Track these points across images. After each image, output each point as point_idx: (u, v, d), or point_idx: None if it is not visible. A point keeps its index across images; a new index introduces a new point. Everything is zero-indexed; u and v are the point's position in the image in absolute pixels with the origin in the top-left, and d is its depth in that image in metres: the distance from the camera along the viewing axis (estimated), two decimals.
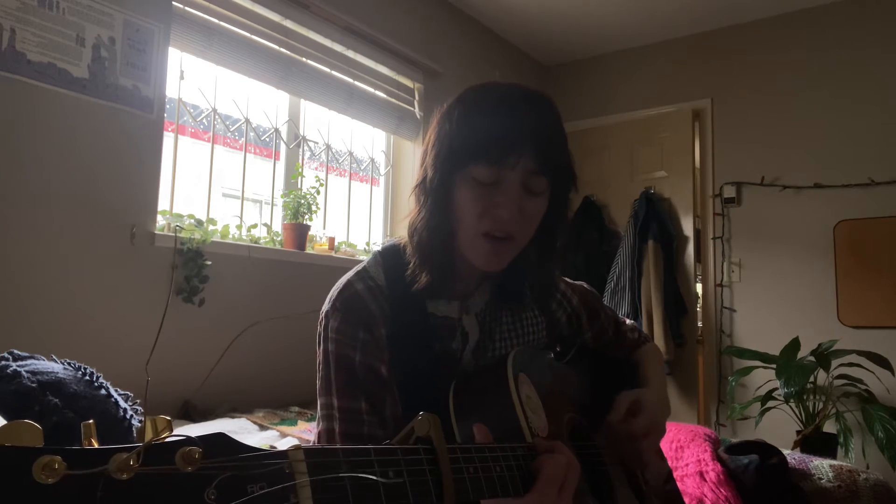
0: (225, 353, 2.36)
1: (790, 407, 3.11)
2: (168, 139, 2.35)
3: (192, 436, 0.37)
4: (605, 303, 1.22)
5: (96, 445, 0.35)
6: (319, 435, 0.88)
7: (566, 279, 1.15)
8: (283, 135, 2.92)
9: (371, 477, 0.46)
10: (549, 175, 0.88)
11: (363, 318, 0.89)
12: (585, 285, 1.18)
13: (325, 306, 0.91)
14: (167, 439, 0.36)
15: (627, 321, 1.25)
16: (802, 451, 2.58)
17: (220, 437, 0.39)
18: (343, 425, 0.85)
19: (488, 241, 0.87)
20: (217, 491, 0.37)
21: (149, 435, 0.36)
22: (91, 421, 0.35)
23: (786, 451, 1.85)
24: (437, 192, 0.89)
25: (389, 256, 0.95)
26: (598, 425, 1.02)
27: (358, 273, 0.94)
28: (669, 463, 1.33)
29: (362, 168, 3.36)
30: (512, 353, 0.88)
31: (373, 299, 0.90)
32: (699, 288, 3.90)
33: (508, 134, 0.85)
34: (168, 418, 0.37)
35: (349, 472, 0.45)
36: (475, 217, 0.86)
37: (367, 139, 3.39)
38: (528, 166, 0.86)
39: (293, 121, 2.96)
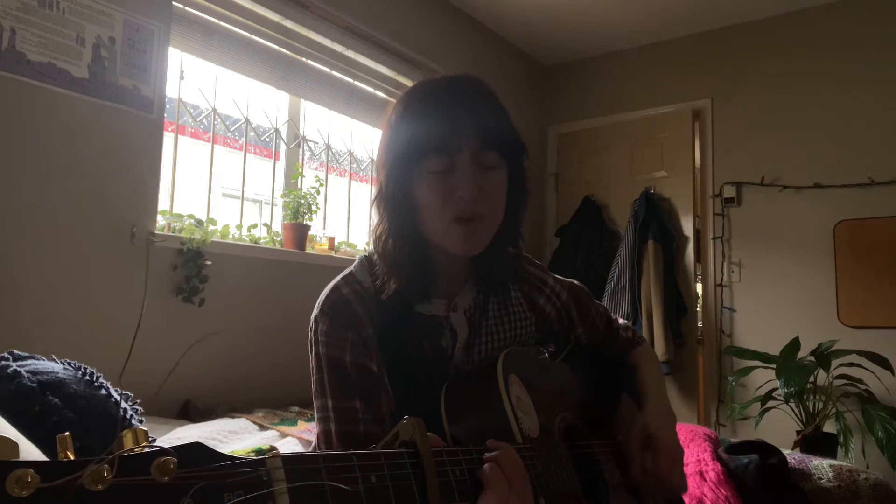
0: (225, 355, 2.37)
1: (790, 407, 3.10)
2: (168, 139, 2.35)
3: (167, 446, 0.37)
4: (605, 303, 1.22)
5: (72, 458, 0.35)
6: (318, 437, 0.90)
7: (555, 275, 1.14)
8: (283, 135, 2.93)
9: (350, 483, 0.47)
10: (498, 148, 0.90)
11: (350, 320, 0.90)
12: (575, 282, 1.17)
13: (314, 311, 0.93)
14: (144, 450, 0.36)
15: (621, 320, 1.25)
16: (802, 451, 2.57)
17: (197, 447, 0.40)
18: (339, 425, 0.86)
19: (459, 225, 0.88)
20: (193, 500, 0.37)
21: (128, 445, 0.36)
22: (67, 434, 0.36)
23: (786, 451, 1.85)
24: (394, 198, 0.90)
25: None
26: (593, 425, 1.03)
27: (344, 277, 0.95)
28: None
29: (362, 168, 3.36)
30: (503, 354, 0.88)
31: (359, 302, 0.92)
32: (699, 288, 3.89)
33: (446, 120, 0.87)
34: (146, 429, 0.37)
35: (329, 478, 0.45)
36: (439, 206, 0.88)
37: (367, 139, 3.39)
38: (475, 144, 0.88)
39: (293, 121, 2.96)
